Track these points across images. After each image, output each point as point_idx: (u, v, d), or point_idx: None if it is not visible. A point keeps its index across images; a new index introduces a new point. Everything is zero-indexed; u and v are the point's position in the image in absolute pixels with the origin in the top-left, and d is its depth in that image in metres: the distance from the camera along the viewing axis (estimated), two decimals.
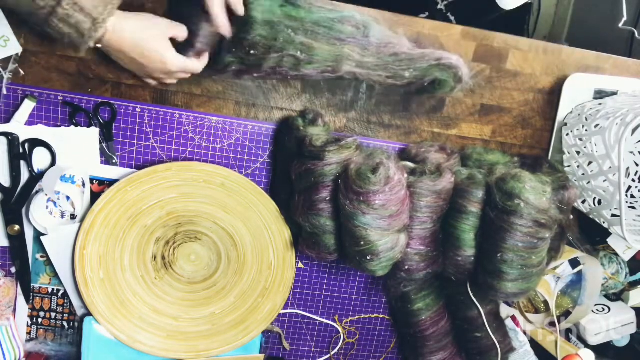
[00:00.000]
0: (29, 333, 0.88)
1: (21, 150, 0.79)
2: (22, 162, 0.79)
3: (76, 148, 0.80)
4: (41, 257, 0.85)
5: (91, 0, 0.61)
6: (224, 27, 0.71)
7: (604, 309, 0.98)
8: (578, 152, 0.86)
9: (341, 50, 0.75)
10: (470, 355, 0.95)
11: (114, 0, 0.64)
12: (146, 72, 0.73)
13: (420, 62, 0.78)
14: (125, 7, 0.67)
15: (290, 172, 0.78)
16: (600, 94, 0.89)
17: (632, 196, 0.92)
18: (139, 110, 0.81)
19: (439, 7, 1.26)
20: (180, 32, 0.71)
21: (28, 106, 0.78)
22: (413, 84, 0.81)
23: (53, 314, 0.88)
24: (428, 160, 0.83)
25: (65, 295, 0.86)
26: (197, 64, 0.73)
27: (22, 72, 0.77)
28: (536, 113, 0.91)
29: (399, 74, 0.79)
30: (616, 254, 0.97)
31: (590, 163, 0.84)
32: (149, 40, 0.68)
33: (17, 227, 0.81)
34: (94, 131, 0.80)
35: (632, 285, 1.01)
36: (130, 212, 0.81)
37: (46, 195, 0.80)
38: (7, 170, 0.79)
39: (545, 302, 0.96)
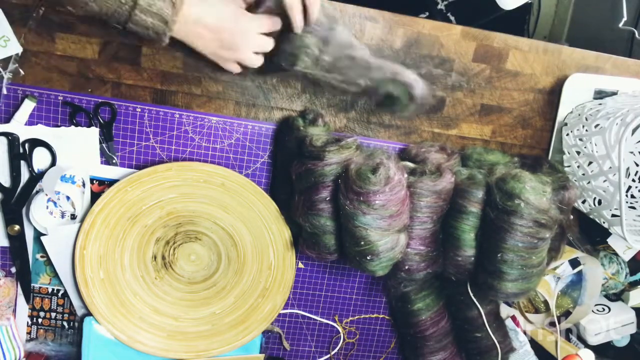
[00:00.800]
0: (29, 333, 0.88)
1: (21, 150, 0.79)
2: (22, 162, 0.79)
3: (76, 148, 0.80)
4: (41, 257, 0.85)
5: None
6: (298, 21, 0.70)
7: (604, 309, 0.98)
8: (578, 152, 0.86)
9: (302, 40, 0.73)
10: (470, 356, 0.95)
11: None
12: (223, 49, 0.70)
13: (376, 73, 0.77)
14: None
15: (290, 172, 0.78)
16: (600, 94, 0.89)
17: (632, 196, 0.92)
18: (139, 110, 0.81)
19: (439, 7, 1.26)
20: None
21: (28, 106, 0.78)
22: (366, 94, 0.80)
23: (53, 314, 0.88)
24: (428, 160, 0.83)
25: (65, 295, 0.86)
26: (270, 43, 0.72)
27: (22, 72, 0.77)
28: (536, 113, 0.91)
29: (353, 79, 0.77)
30: (616, 254, 0.97)
31: (590, 163, 0.84)
32: (220, 7, 0.67)
33: (17, 227, 0.81)
34: (94, 131, 0.80)
35: (632, 285, 1.01)
36: (130, 212, 0.81)
37: (46, 195, 0.80)
38: (7, 170, 0.79)
39: (545, 302, 0.96)
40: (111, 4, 0.61)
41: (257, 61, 0.73)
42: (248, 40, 0.70)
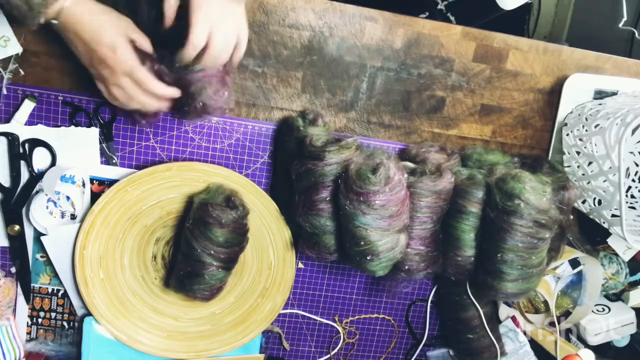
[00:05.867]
0: (29, 333, 0.88)
1: (21, 150, 0.78)
2: (22, 162, 0.79)
3: (76, 148, 0.80)
4: (41, 257, 0.84)
5: None
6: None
7: (604, 309, 0.98)
8: (578, 152, 0.86)
9: None
10: (460, 356, 0.95)
11: None
12: (93, 62, 0.66)
13: None
14: None
15: (290, 172, 0.78)
16: (600, 94, 0.89)
17: (632, 196, 0.92)
18: None
19: (439, 7, 1.26)
20: (142, 39, 0.66)
21: (28, 106, 0.78)
22: None
23: (53, 314, 0.88)
24: (428, 160, 0.83)
25: (65, 295, 0.86)
26: (153, 81, 0.67)
27: (22, 72, 0.77)
28: (536, 113, 0.91)
29: None
30: (616, 254, 0.97)
31: (590, 163, 0.84)
32: (108, 27, 0.63)
33: (17, 227, 0.81)
34: (94, 131, 0.80)
35: (632, 285, 1.01)
36: (130, 212, 0.81)
37: (46, 195, 0.80)
38: (7, 170, 0.79)
39: (545, 302, 0.95)
40: None
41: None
42: (111, 68, 0.65)
